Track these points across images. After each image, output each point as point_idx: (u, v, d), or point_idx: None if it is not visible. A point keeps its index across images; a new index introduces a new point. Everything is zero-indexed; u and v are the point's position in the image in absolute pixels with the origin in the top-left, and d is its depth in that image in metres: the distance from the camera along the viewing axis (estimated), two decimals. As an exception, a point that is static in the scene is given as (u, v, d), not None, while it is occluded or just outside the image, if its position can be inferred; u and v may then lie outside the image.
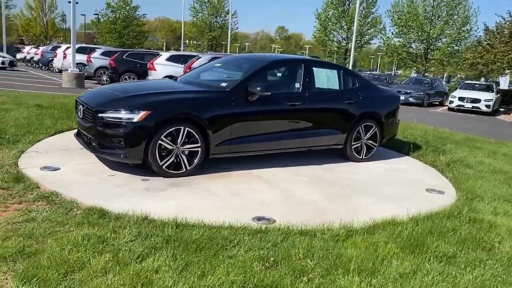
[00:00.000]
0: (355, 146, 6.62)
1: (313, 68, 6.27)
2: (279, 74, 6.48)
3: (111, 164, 5.27)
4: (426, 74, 36.91)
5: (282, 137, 5.84)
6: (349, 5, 38.97)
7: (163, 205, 4.17)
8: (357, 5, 28.82)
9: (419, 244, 3.60)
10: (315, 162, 6.36)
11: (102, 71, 19.27)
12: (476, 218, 4.40)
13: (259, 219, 4.06)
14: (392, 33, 35.36)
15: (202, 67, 7.14)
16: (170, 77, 11.67)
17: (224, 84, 5.70)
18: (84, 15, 77.25)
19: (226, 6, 48.84)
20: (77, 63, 20.16)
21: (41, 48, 29.47)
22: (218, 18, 54.15)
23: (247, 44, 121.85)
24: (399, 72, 77.10)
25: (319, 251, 3.35)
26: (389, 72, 65.52)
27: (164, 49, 64.18)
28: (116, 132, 4.85)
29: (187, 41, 65.10)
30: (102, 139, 4.96)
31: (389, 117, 7.00)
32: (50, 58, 25.14)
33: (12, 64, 25.28)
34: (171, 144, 5.00)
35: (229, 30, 46.33)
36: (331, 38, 39.71)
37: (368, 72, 42.40)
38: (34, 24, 59.60)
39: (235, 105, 5.40)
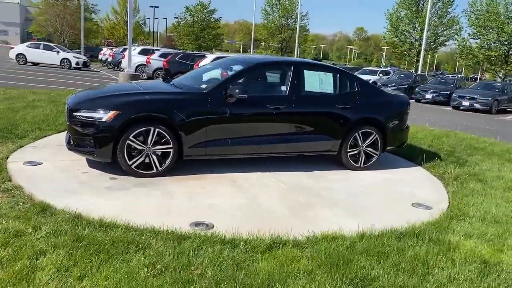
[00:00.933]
0: (351, 153, 6.26)
1: (304, 71, 6.03)
2: (266, 77, 6.31)
3: (91, 162, 5.46)
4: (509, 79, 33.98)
5: (265, 141, 5.68)
6: (423, 4, 37.05)
7: (109, 204, 4.24)
8: (429, 4, 27.32)
9: (342, 263, 3.31)
10: (308, 168, 6.11)
11: (159, 72, 20.11)
12: (439, 239, 3.96)
13: (196, 224, 3.98)
14: (469, 34, 33.01)
15: (199, 69, 7.17)
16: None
17: (204, 86, 5.68)
18: (166, 18, 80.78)
19: (298, 8, 48.64)
20: (139, 65, 21.29)
21: (114, 50, 31.48)
22: (289, 20, 54.21)
23: (322, 45, 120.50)
24: (486, 76, 71.81)
25: (225, 262, 3.20)
26: (459, 76, 60.96)
27: (241, 52, 65.43)
28: (87, 131, 5.02)
29: (262, 43, 65.95)
30: (76, 138, 5.16)
31: (393, 123, 6.53)
32: (120, 59, 26.71)
33: (85, 64, 27.26)
34: (141, 144, 5.07)
35: (297, 32, 46.09)
36: (402, 40, 37.98)
37: (437, 75, 39.91)
38: (119, 27, 63.74)
39: (211, 107, 5.35)
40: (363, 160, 6.35)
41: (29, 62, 26.80)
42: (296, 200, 4.88)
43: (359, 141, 6.26)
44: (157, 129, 5.09)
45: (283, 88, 5.95)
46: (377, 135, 6.33)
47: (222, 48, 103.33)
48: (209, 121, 5.34)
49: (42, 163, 5.36)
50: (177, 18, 65.36)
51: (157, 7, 72.08)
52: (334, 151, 6.20)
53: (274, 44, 56.65)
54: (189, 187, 4.98)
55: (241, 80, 5.73)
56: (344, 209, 4.74)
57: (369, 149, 6.36)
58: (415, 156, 7.27)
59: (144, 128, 5.04)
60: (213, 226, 3.97)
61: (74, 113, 5.09)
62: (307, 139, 5.95)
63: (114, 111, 4.95)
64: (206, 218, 4.11)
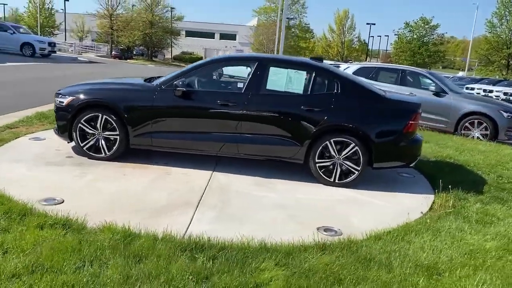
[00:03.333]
0: (322, 164, 5.41)
1: (271, 68, 5.54)
2: (227, 73, 5.98)
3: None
4: None
5: (213, 138, 5.48)
6: None
7: (24, 175, 4.89)
8: None
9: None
10: (268, 175, 5.59)
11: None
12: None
13: (47, 200, 4.22)
14: None
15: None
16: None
17: (158, 82, 5.78)
18: (388, 36, 79.69)
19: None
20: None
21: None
22: (521, 32, 46.68)
23: None
24: None
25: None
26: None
27: (466, 70, 59.73)
28: (56, 114, 5.83)
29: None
30: (55, 120, 6.03)
31: (385, 135, 5.34)
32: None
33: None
34: (91, 128, 5.60)
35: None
36: None
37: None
38: (334, 45, 66.19)
39: (157, 100, 5.50)
40: (338, 174, 5.39)
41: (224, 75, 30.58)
42: (182, 199, 4.58)
43: (332, 152, 5.35)
44: (105, 116, 5.54)
45: (240, 85, 5.61)
46: (357, 147, 5.29)
47: (447, 66, 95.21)
48: (155, 113, 5.49)
49: (45, 139, 6.45)
50: (396, 34, 63.92)
51: (374, 24, 71.75)
52: (299, 159, 5.46)
53: (497, 60, 49.58)
54: (113, 173, 5.25)
55: (194, 75, 5.67)
56: (221, 217, 4.24)
57: (347, 162, 5.36)
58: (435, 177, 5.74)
59: (93, 114, 5.56)
60: (61, 202, 4.19)
61: (55, 98, 5.97)
62: (263, 142, 5.44)
63: (70, 97, 5.63)
64: (69, 196, 4.33)
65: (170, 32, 57.28)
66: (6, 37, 24.37)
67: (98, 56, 46.22)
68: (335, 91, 5.45)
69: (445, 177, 5.76)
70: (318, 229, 4.09)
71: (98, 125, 5.57)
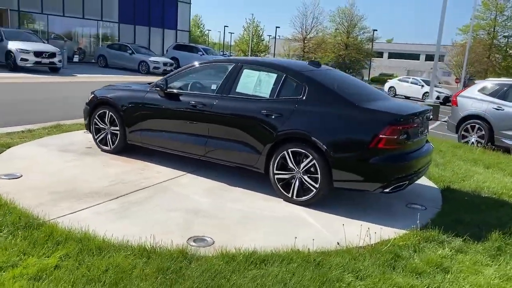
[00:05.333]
0: (280, 177, 4.85)
1: (245, 70, 5.27)
2: (209, 75, 5.76)
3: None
4: None
5: (185, 139, 5.51)
6: None
7: (43, 155, 5.90)
8: None
9: None
10: (258, 188, 5.21)
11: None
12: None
13: (8, 174, 4.98)
14: None
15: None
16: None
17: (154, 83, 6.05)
18: None
19: None
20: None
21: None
22: None
23: None
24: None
25: None
26: None
27: None
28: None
29: None
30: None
31: (345, 150, 4.48)
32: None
33: (447, 99, 26.36)
34: (102, 123, 6.30)
35: None
36: None
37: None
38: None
39: (146, 100, 5.83)
40: (296, 190, 4.76)
41: (398, 94, 28.90)
42: (108, 189, 4.75)
43: (290, 164, 4.76)
44: (110, 113, 6.16)
45: (214, 87, 5.46)
46: (315, 161, 4.58)
47: None
48: (143, 111, 5.84)
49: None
50: None
51: None
52: (259, 168, 5.01)
53: None
54: (96, 162, 5.79)
55: (178, 77, 5.76)
56: (118, 212, 4.30)
57: (306, 177, 4.70)
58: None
59: (102, 111, 6.24)
60: (20, 176, 4.92)
61: (90, 96, 6.86)
62: (226, 147, 5.19)
63: (92, 96, 6.44)
64: (27, 173, 5.05)
65: (366, 54, 56.85)
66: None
67: None
68: (300, 96, 4.82)
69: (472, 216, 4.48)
70: (190, 238, 3.74)
71: (106, 121, 6.20)
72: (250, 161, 5.04)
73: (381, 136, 4.33)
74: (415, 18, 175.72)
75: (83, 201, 4.36)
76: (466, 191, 5.72)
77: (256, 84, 5.16)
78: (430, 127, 10.91)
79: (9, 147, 6.12)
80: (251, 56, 68.92)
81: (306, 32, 52.48)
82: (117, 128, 6.08)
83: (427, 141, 5.44)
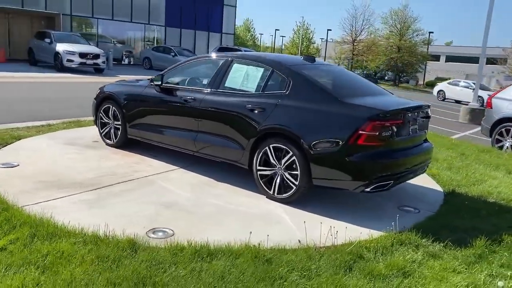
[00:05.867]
0: (263, 173, 4.74)
1: (235, 64, 5.21)
2: (203, 70, 5.69)
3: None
4: None
5: (179, 135, 5.52)
6: None
7: (47, 146, 6.17)
8: None
9: None
10: (244, 185, 5.12)
11: None
12: None
13: (4, 164, 5.22)
14: None
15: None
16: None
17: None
18: None
19: None
20: None
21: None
22: None
23: None
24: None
25: None
26: None
27: None
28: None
29: None
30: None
31: (323, 146, 4.28)
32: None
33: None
34: (107, 118, 6.45)
35: None
36: None
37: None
38: None
39: (144, 94, 5.91)
40: (277, 187, 4.63)
41: (447, 98, 27.63)
42: (93, 181, 4.82)
43: (272, 159, 4.64)
44: (113, 108, 6.31)
45: (205, 81, 5.43)
46: (295, 157, 4.43)
47: None
48: (141, 106, 5.92)
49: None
50: None
51: None
52: (244, 164, 4.92)
53: None
54: (95, 155, 5.94)
55: (175, 72, 5.78)
56: (91, 202, 4.37)
57: (286, 174, 4.56)
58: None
59: (106, 106, 6.40)
60: (17, 165, 5.15)
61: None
62: (214, 142, 5.14)
63: (99, 91, 6.62)
64: (24, 161, 5.27)
65: (420, 57, 54.77)
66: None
67: None
68: (284, 91, 4.69)
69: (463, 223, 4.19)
70: (151, 229, 3.72)
71: (110, 115, 6.35)
72: (235, 156, 4.97)
73: (360, 132, 4.11)
74: (477, 20, 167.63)
75: (63, 191, 4.47)
76: (472, 195, 5.31)
77: (244, 78, 5.08)
78: (470, 131, 10.19)
79: (20, 139, 6.42)
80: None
81: (355, 34, 51.41)
82: (119, 122, 6.20)
83: (425, 140, 5.11)
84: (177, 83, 5.67)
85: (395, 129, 4.30)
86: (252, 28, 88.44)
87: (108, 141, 6.44)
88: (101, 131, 6.53)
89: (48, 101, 10.98)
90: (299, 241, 3.59)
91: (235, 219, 4.12)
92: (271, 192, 4.66)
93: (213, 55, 5.91)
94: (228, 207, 4.43)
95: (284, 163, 4.52)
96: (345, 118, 4.24)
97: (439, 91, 28.22)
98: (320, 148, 4.30)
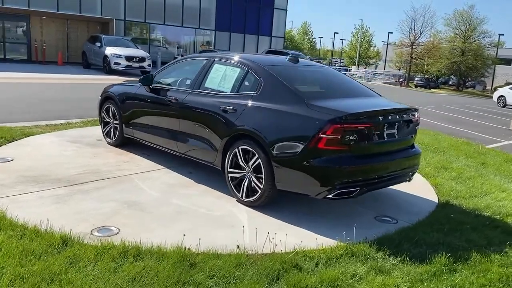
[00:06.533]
0: (233, 175, 4.64)
1: (215, 65, 5.15)
2: (189, 71, 5.62)
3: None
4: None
5: (164, 134, 5.56)
6: None
7: (49, 144, 6.47)
8: None
9: None
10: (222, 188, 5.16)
11: None
12: None
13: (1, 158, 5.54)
14: None
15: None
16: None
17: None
18: None
19: None
20: None
21: None
22: None
23: None
24: None
25: None
26: None
27: None
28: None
29: None
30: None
31: (285, 148, 4.10)
32: None
33: None
34: (108, 117, 6.64)
35: None
36: None
37: None
38: None
39: (136, 94, 6.02)
40: (245, 190, 4.51)
41: (508, 104, 25.82)
42: (72, 178, 4.96)
43: (241, 161, 4.53)
44: (113, 107, 6.47)
45: (188, 82, 5.40)
46: (260, 160, 4.30)
47: None
48: (134, 106, 6.02)
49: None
50: None
51: None
52: (217, 166, 4.84)
53: None
54: (89, 152, 6.10)
55: (165, 73, 5.82)
56: (59, 198, 4.49)
57: (253, 177, 4.43)
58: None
59: (107, 105, 6.58)
60: (11, 160, 5.43)
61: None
62: (193, 143, 5.12)
63: (103, 91, 6.82)
64: (22, 157, 5.53)
65: (486, 61, 51.64)
66: None
67: (385, 83, 46.59)
68: (255, 91, 4.56)
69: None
70: (98, 227, 3.74)
71: (111, 115, 6.52)
72: (211, 158, 4.90)
73: (320, 135, 3.89)
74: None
75: (39, 185, 4.62)
76: (466, 208, 4.87)
77: (222, 78, 5.01)
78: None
79: (29, 136, 6.74)
80: (358, 62, 67.20)
81: (414, 37, 49.35)
82: (117, 121, 6.35)
83: (412, 146, 4.76)
84: (164, 84, 5.71)
85: (363, 133, 4.03)
86: (310, 31, 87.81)
87: (108, 139, 6.61)
88: (103, 130, 6.72)
89: (87, 100, 11.37)
90: (238, 247, 3.45)
91: (189, 221, 4.04)
92: (240, 195, 4.55)
93: (198, 55, 5.88)
94: (190, 208, 4.36)
95: (252, 165, 4.39)
96: (306, 120, 4.04)
97: (499, 97, 26.38)
98: (282, 151, 4.12)
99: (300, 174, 4.04)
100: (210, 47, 27.92)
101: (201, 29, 29.86)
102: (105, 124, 6.68)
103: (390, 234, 3.97)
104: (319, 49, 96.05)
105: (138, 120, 5.94)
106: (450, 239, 3.89)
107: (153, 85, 5.71)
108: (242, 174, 4.53)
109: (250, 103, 4.51)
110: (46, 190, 4.51)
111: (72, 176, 5.01)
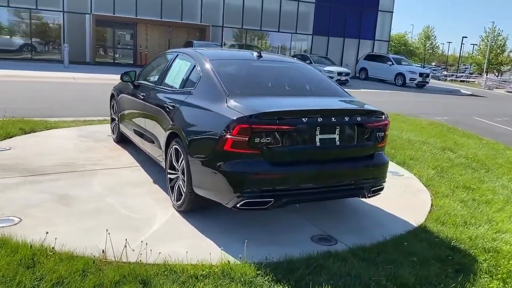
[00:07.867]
0: (171, 176, 4.36)
1: (176, 60, 4.93)
2: (160, 67, 5.37)
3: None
4: None
5: (137, 132, 5.50)
6: None
7: (65, 136, 6.88)
8: None
9: None
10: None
11: None
12: None
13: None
14: None
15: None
16: None
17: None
18: None
19: None
20: None
21: None
22: None
23: None
24: None
25: None
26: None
27: None
28: None
29: None
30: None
31: (198, 150, 3.72)
32: None
33: None
34: (114, 114, 6.81)
35: None
36: None
37: None
38: None
39: (127, 91, 6.05)
40: (176, 193, 4.21)
41: None
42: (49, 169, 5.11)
43: (174, 162, 4.24)
44: (115, 104, 6.63)
45: (155, 78, 5.24)
46: (184, 161, 3.98)
47: None
48: (124, 103, 6.08)
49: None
50: None
51: None
52: (163, 166, 4.61)
53: None
54: (84, 147, 6.28)
55: (147, 69, 5.73)
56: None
57: (181, 179, 4.11)
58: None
59: (113, 102, 6.75)
60: (8, 149, 5.85)
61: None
62: (149, 141, 4.97)
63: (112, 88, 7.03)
64: (19, 146, 5.93)
65: None
66: (385, 68, 27.10)
67: (509, 91, 40.60)
68: (193, 87, 4.22)
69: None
70: (6, 217, 3.78)
71: (114, 112, 6.68)
72: (159, 157, 4.68)
73: (226, 136, 3.42)
74: None
75: (9, 173, 4.83)
76: (441, 237, 3.89)
77: (176, 74, 4.77)
78: None
79: (50, 129, 7.21)
80: (487, 69, 60.81)
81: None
82: (117, 119, 6.47)
83: (372, 156, 3.96)
84: (143, 80, 5.62)
85: (281, 136, 3.46)
86: (432, 36, 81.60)
87: (112, 135, 6.77)
88: (111, 127, 6.90)
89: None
90: (103, 251, 3.17)
91: (98, 220, 3.86)
92: (173, 198, 4.25)
93: (170, 51, 5.66)
94: (115, 208, 4.18)
95: (180, 167, 4.07)
96: (217, 119, 3.59)
97: None
98: (197, 153, 3.74)
99: (212, 179, 3.61)
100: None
101: (298, 33, 29.61)
102: (111, 121, 6.85)
103: (302, 257, 3.32)
104: (447, 55, 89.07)
105: (125, 117, 5.97)
106: (369, 271, 3.12)
107: (135, 81, 5.67)
108: (176, 175, 4.22)
109: (185, 99, 4.19)
110: (8, 178, 4.70)
111: (42, 167, 5.17)
